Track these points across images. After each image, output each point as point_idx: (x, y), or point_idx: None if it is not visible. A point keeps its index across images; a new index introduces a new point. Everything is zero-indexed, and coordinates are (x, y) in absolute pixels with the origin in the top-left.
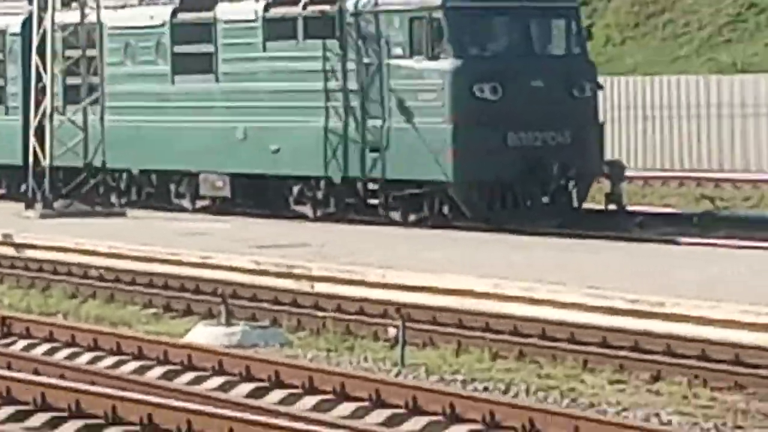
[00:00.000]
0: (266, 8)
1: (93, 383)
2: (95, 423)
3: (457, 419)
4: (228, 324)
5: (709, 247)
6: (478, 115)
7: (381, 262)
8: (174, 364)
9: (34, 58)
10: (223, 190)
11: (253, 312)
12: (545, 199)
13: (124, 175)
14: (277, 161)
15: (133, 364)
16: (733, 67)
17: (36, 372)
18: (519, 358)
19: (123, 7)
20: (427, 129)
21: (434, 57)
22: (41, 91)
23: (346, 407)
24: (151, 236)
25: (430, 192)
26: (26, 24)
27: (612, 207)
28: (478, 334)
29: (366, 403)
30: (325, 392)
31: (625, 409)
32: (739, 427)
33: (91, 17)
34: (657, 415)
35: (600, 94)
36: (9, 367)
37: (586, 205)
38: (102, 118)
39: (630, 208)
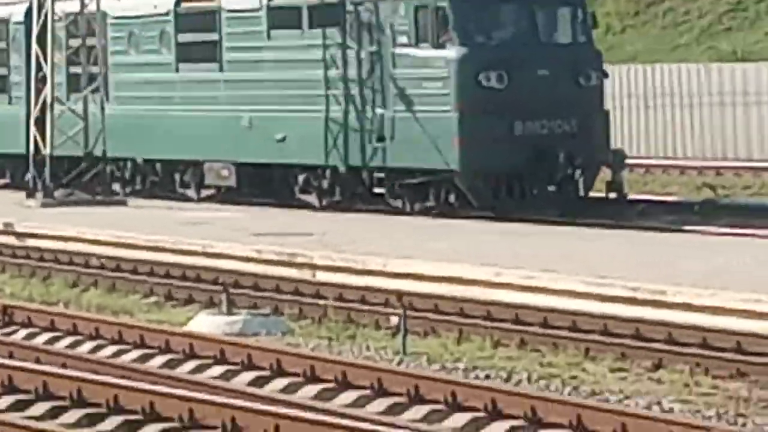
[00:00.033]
0: None
1: (95, 372)
2: (97, 412)
3: (458, 407)
4: (229, 313)
5: (713, 236)
6: (484, 104)
7: (384, 251)
8: (176, 352)
9: (34, 48)
10: (228, 179)
11: (255, 301)
12: (551, 188)
13: (129, 164)
14: (283, 150)
15: (135, 353)
16: (733, 56)
17: (38, 361)
18: (520, 347)
19: None
20: (432, 118)
21: (440, 45)
22: (41, 81)
23: (348, 396)
24: (153, 225)
25: (436, 181)
26: (29, 13)
27: (613, 195)
28: (479, 322)
29: (368, 392)
30: (326, 381)
31: (626, 397)
32: (741, 415)
33: (91, 6)
34: (659, 403)
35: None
36: (11, 356)
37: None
38: (102, 108)
39: (631, 196)
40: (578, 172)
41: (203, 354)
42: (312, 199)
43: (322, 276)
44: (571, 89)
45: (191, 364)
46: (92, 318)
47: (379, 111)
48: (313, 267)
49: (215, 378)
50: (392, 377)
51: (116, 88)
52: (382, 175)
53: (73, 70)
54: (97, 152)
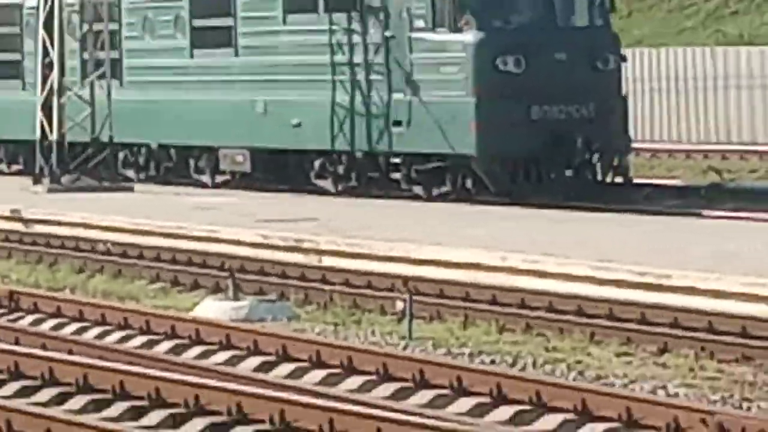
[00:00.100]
0: None
1: (101, 358)
2: (103, 398)
3: (464, 392)
4: (235, 298)
5: (724, 221)
6: (501, 88)
7: (394, 236)
8: (181, 338)
9: (40, 33)
10: (243, 164)
11: (261, 286)
12: (569, 173)
13: (143, 150)
14: (298, 135)
15: (141, 339)
16: (739, 39)
17: (44, 347)
18: (526, 331)
19: None
20: (449, 102)
21: (457, 29)
22: (48, 66)
23: (354, 381)
24: (159, 211)
25: (453, 166)
26: None
27: (619, 179)
28: (485, 307)
29: (373, 377)
30: (332, 366)
31: (632, 382)
32: (746, 399)
33: None
34: (664, 387)
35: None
36: (17, 342)
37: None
38: (108, 93)
39: (637, 180)
40: (596, 156)
41: (209, 340)
42: (327, 184)
43: (328, 261)
44: (588, 73)
45: (197, 350)
46: (98, 304)
47: (395, 96)
48: (320, 252)
49: (221, 364)
50: (398, 362)
51: (130, 74)
52: (398, 160)
53: (87, 55)
54: (104, 138)
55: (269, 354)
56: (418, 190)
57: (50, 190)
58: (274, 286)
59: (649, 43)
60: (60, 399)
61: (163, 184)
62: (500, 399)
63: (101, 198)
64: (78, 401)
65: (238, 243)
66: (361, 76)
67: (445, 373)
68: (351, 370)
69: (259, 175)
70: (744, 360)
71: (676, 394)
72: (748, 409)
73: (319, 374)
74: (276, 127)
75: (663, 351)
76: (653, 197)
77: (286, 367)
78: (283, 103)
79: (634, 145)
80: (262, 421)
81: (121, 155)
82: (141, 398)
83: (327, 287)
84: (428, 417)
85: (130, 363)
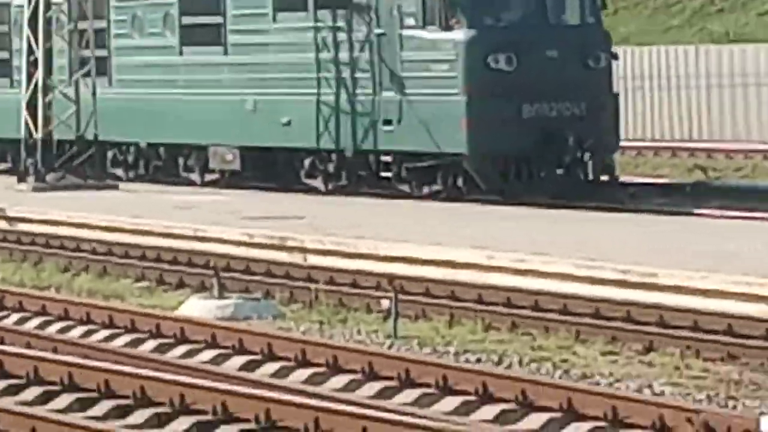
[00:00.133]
0: None
1: (86, 356)
2: (88, 396)
3: (450, 391)
4: (221, 297)
5: (711, 219)
6: (492, 87)
7: (382, 234)
8: (167, 337)
9: (25, 31)
10: (232, 163)
11: (246, 285)
12: (560, 172)
13: (132, 149)
14: (288, 134)
15: (126, 338)
16: (725, 37)
17: (29, 345)
18: (512, 330)
19: None
20: (440, 101)
21: (448, 27)
22: (34, 64)
23: (339, 379)
24: (144, 209)
25: (443, 164)
26: None
27: (604, 178)
28: (470, 305)
29: (359, 376)
30: (318, 365)
31: (617, 380)
32: (732, 398)
33: None
34: (650, 386)
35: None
36: (2, 341)
37: None
38: (93, 92)
39: (622, 179)
40: (587, 155)
41: (194, 338)
42: (318, 183)
43: (313, 260)
44: (579, 71)
45: (182, 349)
46: (83, 302)
47: (386, 94)
48: (304, 251)
49: (206, 362)
50: (383, 361)
51: (119, 72)
52: (389, 158)
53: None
54: (89, 136)
55: (254, 353)
56: (408, 188)
57: (35, 189)
58: (259, 284)
59: (635, 41)
60: (45, 398)
61: (152, 182)
62: (486, 398)
63: (86, 196)
64: (63, 400)
65: (224, 242)
66: (351, 74)
67: (430, 372)
68: (336, 368)
69: (249, 173)
70: (729, 359)
71: (662, 393)
72: (734, 407)
73: (304, 373)
74: (266, 125)
75: (649, 350)
76: (639, 195)
77: (272, 366)
78: (273, 101)
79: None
80: (248, 420)
81: (110, 154)
82: (126, 397)
83: (312, 286)
84: (414, 416)
85: (116, 362)
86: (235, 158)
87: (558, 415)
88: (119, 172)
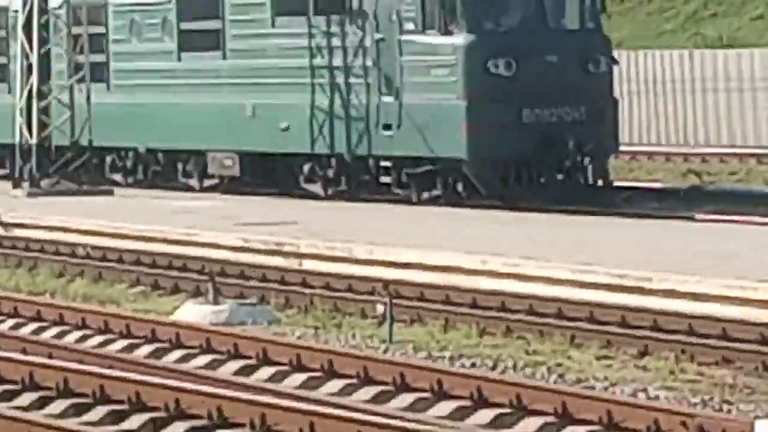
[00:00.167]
0: None
1: (81, 362)
2: (83, 401)
3: (444, 396)
4: (216, 302)
5: (706, 224)
6: (492, 91)
7: (377, 240)
8: (162, 342)
9: (20, 36)
10: (231, 168)
11: (241, 290)
12: (560, 176)
13: (131, 154)
14: (287, 139)
15: (121, 343)
16: (719, 42)
17: (24, 351)
18: (506, 334)
19: None
20: (440, 105)
21: (447, 32)
22: (30, 70)
23: (334, 384)
24: (139, 215)
25: (443, 169)
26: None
27: (599, 182)
28: (465, 310)
29: (354, 380)
30: (313, 369)
31: (612, 385)
32: (727, 402)
33: None
34: (644, 390)
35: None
36: None
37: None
38: (88, 97)
39: (617, 183)
40: (587, 159)
41: (189, 343)
42: (317, 188)
43: (308, 265)
44: (579, 76)
45: (177, 354)
46: (78, 308)
47: (385, 99)
48: (300, 256)
49: (201, 367)
50: (378, 366)
51: (117, 77)
52: (388, 164)
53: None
54: (84, 141)
55: (249, 357)
56: (408, 193)
57: (30, 194)
58: (254, 289)
59: (629, 46)
60: (40, 403)
61: (151, 188)
62: (481, 402)
63: (81, 202)
64: (58, 405)
65: (219, 247)
66: (350, 79)
67: (425, 377)
68: (331, 373)
69: (248, 179)
70: (724, 363)
71: (657, 397)
72: (729, 411)
73: (299, 378)
74: (264, 130)
75: (643, 354)
76: (634, 200)
77: (267, 371)
78: (272, 106)
79: None
80: (243, 425)
81: (108, 159)
82: (121, 402)
83: (307, 291)
84: (409, 420)
85: (111, 367)
86: (234, 163)
87: (553, 419)
88: (118, 177)
